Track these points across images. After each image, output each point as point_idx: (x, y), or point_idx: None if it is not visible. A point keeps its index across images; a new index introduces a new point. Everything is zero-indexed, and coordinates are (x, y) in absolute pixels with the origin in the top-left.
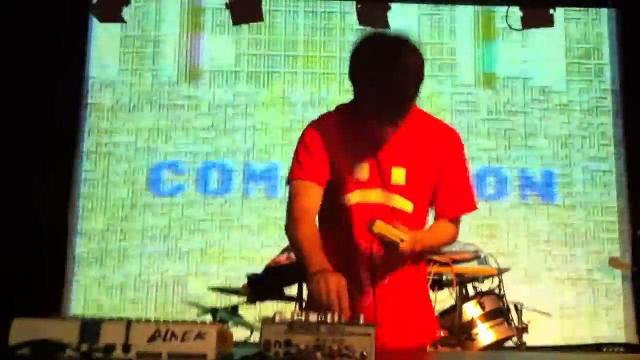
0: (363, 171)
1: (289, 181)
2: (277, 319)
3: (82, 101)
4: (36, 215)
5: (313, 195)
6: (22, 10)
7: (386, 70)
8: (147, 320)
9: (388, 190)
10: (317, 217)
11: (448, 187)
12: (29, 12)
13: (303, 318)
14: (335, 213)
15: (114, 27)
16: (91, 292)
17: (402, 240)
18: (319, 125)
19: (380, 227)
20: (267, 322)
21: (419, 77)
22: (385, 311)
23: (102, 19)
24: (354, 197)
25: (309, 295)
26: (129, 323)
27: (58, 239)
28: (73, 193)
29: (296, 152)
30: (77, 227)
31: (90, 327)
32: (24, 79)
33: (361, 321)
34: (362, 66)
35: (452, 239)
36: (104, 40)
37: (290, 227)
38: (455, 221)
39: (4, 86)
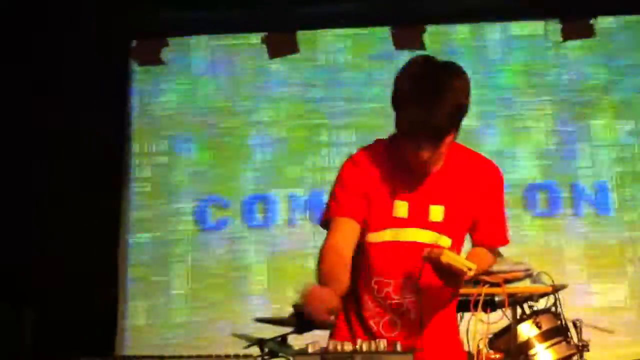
0: (401, 209)
1: (325, 222)
2: (310, 349)
3: None
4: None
5: (347, 230)
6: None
7: (420, 99)
8: (180, 357)
9: (425, 228)
10: (349, 253)
11: (486, 221)
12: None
13: (338, 347)
14: (364, 252)
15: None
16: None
17: (469, 269)
18: (356, 161)
19: (448, 256)
20: (300, 353)
21: (457, 103)
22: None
23: (142, 63)
24: (387, 235)
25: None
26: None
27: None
28: None
29: (333, 189)
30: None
31: None
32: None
33: (398, 348)
34: (401, 92)
35: (491, 265)
36: None
37: (323, 256)
38: (491, 250)
39: None
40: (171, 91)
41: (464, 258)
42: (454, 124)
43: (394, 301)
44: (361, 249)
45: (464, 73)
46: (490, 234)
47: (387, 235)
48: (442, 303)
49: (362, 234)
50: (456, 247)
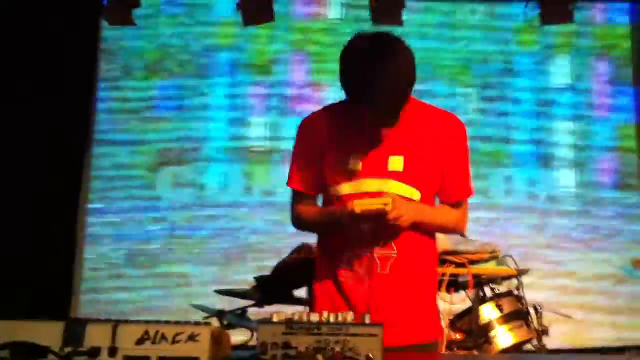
0: (357, 161)
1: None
2: (275, 318)
3: None
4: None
5: (303, 199)
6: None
7: (373, 77)
8: (137, 321)
9: (384, 177)
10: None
11: (451, 173)
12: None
13: (304, 317)
14: (333, 204)
15: None
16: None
17: (386, 204)
18: (309, 118)
19: (359, 204)
20: (264, 322)
21: (408, 78)
22: (384, 301)
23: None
24: (346, 189)
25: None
26: (115, 324)
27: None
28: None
29: (292, 155)
30: None
31: (74, 329)
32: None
33: (367, 320)
34: (350, 73)
35: (456, 224)
36: None
37: (298, 222)
38: (457, 206)
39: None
40: None
41: (375, 199)
42: (407, 97)
43: (360, 254)
44: (330, 202)
45: (406, 46)
46: (455, 186)
47: (346, 188)
48: (398, 265)
49: (326, 189)
50: (427, 200)
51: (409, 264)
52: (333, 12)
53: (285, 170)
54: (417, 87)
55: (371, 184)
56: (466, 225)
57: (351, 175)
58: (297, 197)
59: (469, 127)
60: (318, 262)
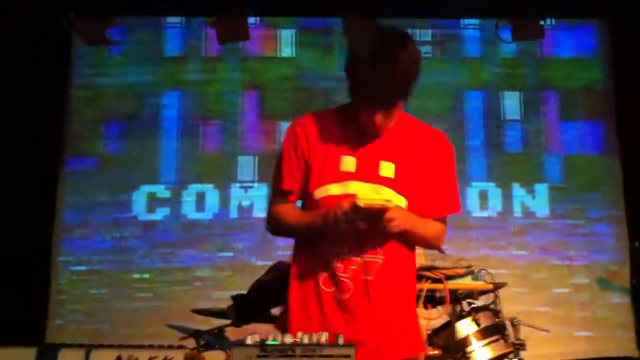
0: (348, 164)
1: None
2: (249, 341)
3: None
4: None
5: (284, 203)
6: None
7: (374, 70)
8: (110, 346)
9: (376, 182)
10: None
11: (437, 187)
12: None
13: (278, 340)
14: (317, 206)
15: None
16: None
17: (388, 200)
18: (298, 123)
19: (364, 200)
20: (237, 345)
21: (411, 74)
22: (368, 310)
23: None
24: (335, 189)
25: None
26: (88, 349)
27: None
28: None
29: (280, 157)
30: None
31: (47, 355)
32: None
33: (340, 341)
34: (355, 62)
35: (439, 237)
36: None
37: (275, 223)
38: (441, 222)
39: None
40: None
41: (378, 196)
42: (406, 92)
43: (347, 258)
44: (313, 207)
45: (414, 44)
46: (445, 200)
47: (333, 189)
48: (398, 264)
49: (309, 196)
50: (411, 209)
51: (393, 273)
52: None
53: None
54: None
55: (362, 188)
56: (444, 242)
57: (342, 177)
58: (280, 199)
59: None
60: (294, 270)
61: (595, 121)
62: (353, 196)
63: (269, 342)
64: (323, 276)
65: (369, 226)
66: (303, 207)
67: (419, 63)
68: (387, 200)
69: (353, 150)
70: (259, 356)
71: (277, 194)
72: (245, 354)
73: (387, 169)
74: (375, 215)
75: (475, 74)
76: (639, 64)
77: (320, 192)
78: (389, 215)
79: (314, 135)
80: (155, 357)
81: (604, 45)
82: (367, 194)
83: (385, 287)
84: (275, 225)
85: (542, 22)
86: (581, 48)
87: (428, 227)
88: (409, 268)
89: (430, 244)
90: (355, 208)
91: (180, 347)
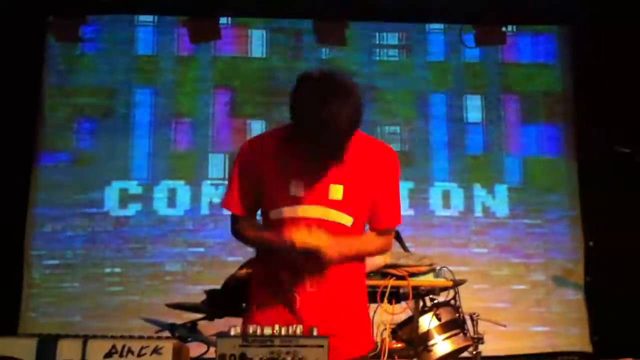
0: (297, 188)
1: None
2: (232, 332)
3: None
4: None
5: (239, 221)
6: None
7: (319, 119)
8: (104, 336)
9: (325, 205)
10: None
11: (381, 202)
12: None
13: (258, 331)
14: (273, 225)
15: None
16: None
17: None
18: (251, 143)
19: (300, 243)
20: (222, 335)
21: (355, 120)
22: (314, 317)
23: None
24: (286, 213)
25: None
26: (85, 339)
27: None
28: None
29: (230, 175)
30: None
31: (47, 344)
32: None
33: (315, 333)
34: (298, 111)
35: (382, 249)
36: None
37: (237, 237)
38: (384, 233)
39: None
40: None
41: (312, 236)
42: (350, 137)
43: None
44: (269, 224)
45: (357, 88)
46: (386, 214)
47: (284, 212)
48: (325, 283)
49: (266, 214)
50: (358, 225)
51: (337, 282)
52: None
53: None
54: None
55: (311, 211)
56: (389, 250)
57: (292, 201)
58: (234, 218)
59: None
60: (255, 273)
61: (554, 124)
62: (297, 221)
63: (250, 333)
64: (275, 287)
65: (311, 259)
66: (262, 223)
67: (362, 108)
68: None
69: (302, 174)
70: (241, 345)
71: (232, 214)
72: (229, 344)
73: (336, 191)
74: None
75: (440, 78)
76: (596, 69)
77: (274, 214)
78: (323, 255)
79: (267, 157)
80: (147, 346)
81: (563, 51)
82: (316, 214)
83: (329, 296)
84: (237, 237)
85: (503, 29)
86: (541, 54)
87: (369, 246)
88: (355, 274)
89: (374, 255)
90: (294, 249)
91: (168, 338)
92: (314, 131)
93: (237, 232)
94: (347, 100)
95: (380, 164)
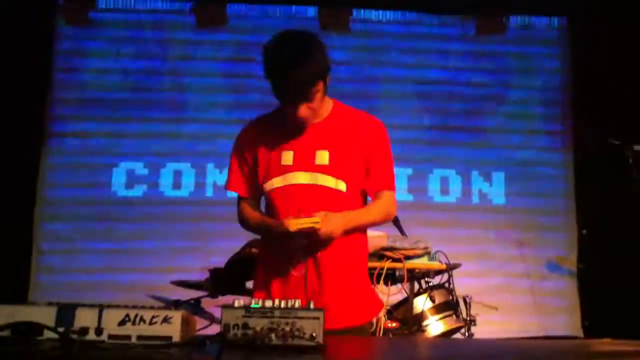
0: (287, 157)
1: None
2: (236, 304)
3: None
4: None
5: (242, 202)
6: None
7: (284, 67)
8: (118, 306)
9: (313, 171)
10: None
11: (373, 167)
12: None
13: (259, 304)
14: (268, 197)
15: None
16: None
17: (316, 223)
18: (247, 127)
19: (293, 224)
20: (226, 307)
21: (315, 67)
22: (318, 287)
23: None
24: (278, 182)
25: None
26: (101, 308)
27: None
28: None
29: (230, 162)
30: None
31: (66, 312)
32: None
33: (311, 306)
34: (267, 65)
35: (387, 213)
36: None
37: (242, 224)
38: (382, 197)
39: None
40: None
41: (307, 218)
42: (317, 82)
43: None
44: (266, 198)
45: (316, 39)
46: (379, 177)
47: (277, 182)
48: (327, 254)
49: (261, 187)
50: (353, 191)
51: (338, 259)
52: None
53: None
54: None
55: (300, 177)
56: (395, 211)
57: (283, 170)
58: (238, 199)
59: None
60: (259, 253)
61: (553, 115)
62: (289, 189)
63: (253, 305)
64: (278, 269)
65: (309, 240)
66: (264, 198)
67: (324, 54)
68: (316, 222)
69: (291, 145)
70: (244, 316)
71: (238, 195)
72: (233, 315)
73: (322, 156)
74: (311, 233)
75: (440, 66)
76: (595, 62)
77: (267, 186)
78: (323, 231)
79: (259, 137)
80: (158, 315)
81: (563, 42)
82: (305, 180)
83: (331, 272)
84: (242, 224)
85: (503, 20)
86: (541, 45)
87: (371, 214)
88: (356, 248)
89: (380, 224)
90: (288, 233)
91: (177, 307)
92: (280, 74)
93: (242, 220)
94: (307, 44)
95: (366, 131)
